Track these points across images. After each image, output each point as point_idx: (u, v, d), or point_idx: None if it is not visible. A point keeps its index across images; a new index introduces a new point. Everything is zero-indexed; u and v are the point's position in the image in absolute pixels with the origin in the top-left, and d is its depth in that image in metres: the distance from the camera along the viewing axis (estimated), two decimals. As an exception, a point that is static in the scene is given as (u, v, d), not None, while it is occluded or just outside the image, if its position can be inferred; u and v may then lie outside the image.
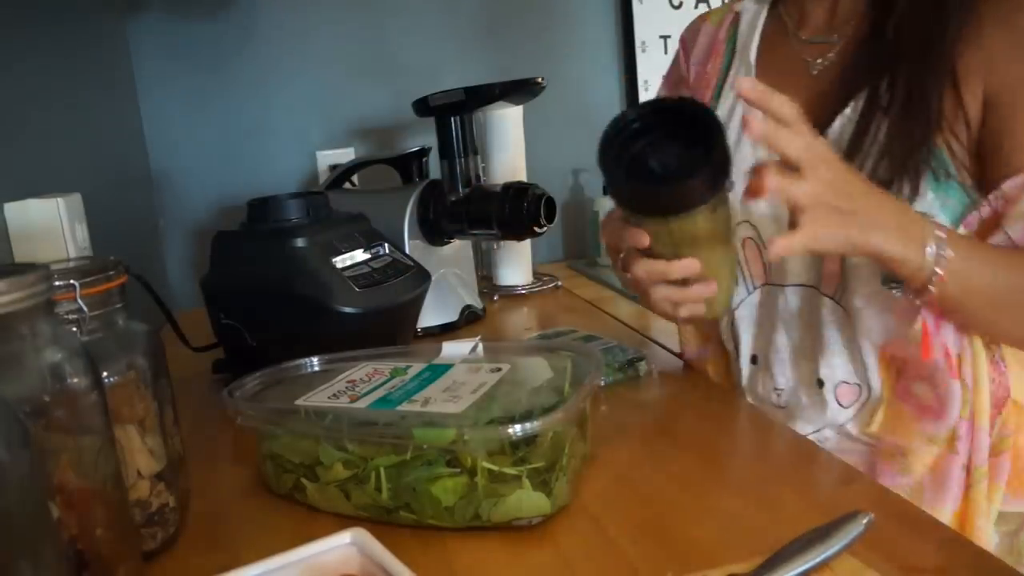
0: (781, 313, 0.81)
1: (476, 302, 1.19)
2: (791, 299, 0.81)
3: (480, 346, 0.73)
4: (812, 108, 0.70)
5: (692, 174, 0.59)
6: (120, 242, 1.11)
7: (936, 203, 0.69)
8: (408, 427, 0.58)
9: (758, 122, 0.57)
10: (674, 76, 0.98)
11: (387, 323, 0.90)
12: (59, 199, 0.80)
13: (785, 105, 0.58)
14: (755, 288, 0.84)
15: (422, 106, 1.13)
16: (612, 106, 1.68)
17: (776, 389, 0.83)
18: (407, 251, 1.09)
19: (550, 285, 1.42)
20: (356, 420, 0.61)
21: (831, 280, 0.77)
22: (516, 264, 1.41)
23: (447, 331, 1.13)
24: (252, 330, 0.90)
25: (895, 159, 0.69)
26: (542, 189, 1.06)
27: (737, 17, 0.90)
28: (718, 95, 0.89)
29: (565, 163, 1.68)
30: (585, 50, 1.65)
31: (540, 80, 1.10)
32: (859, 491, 0.61)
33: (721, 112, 0.86)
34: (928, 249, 0.61)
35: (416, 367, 0.69)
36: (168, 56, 1.43)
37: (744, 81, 0.58)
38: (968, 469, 0.70)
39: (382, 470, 0.58)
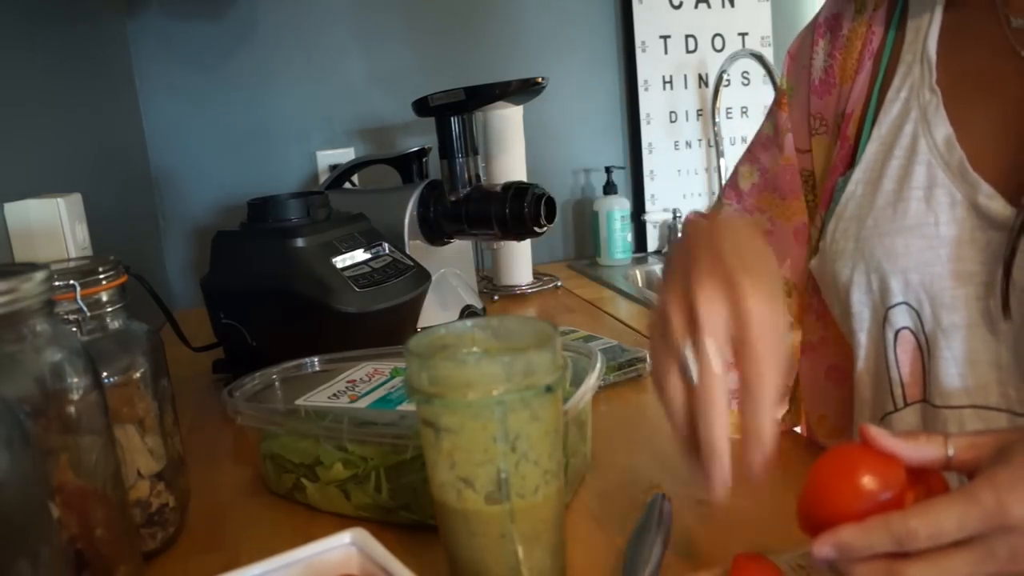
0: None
1: (476, 302, 1.19)
2: (961, 428, 0.56)
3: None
4: None
5: None
6: (120, 242, 1.11)
7: None
8: (408, 427, 0.57)
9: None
10: (784, 114, 0.73)
11: (387, 323, 0.90)
12: (59, 199, 0.80)
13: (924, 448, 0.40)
14: (906, 404, 0.60)
15: (422, 106, 1.13)
16: (612, 106, 1.68)
17: None
18: (407, 251, 1.08)
19: (550, 285, 1.42)
20: (356, 420, 0.61)
21: None
22: (516, 264, 1.41)
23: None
24: (252, 330, 0.90)
25: None
26: (542, 189, 1.06)
27: None
28: (872, 112, 0.64)
29: (565, 163, 1.68)
30: (585, 50, 1.65)
31: (540, 80, 1.10)
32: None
33: (878, 140, 0.62)
34: None
35: (416, 367, 0.69)
36: (168, 56, 1.43)
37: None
38: None
39: (382, 470, 0.58)
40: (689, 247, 0.49)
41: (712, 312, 0.44)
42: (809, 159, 0.71)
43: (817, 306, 0.69)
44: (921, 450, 0.40)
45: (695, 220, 0.55)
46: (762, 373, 0.43)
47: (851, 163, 0.65)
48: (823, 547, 0.38)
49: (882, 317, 0.59)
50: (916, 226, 0.58)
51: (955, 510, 0.36)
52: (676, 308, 0.45)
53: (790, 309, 0.74)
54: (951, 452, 0.39)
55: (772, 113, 0.74)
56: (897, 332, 0.59)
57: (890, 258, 0.58)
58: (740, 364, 0.44)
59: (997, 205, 0.54)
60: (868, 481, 0.39)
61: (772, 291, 0.46)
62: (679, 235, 0.56)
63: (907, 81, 0.62)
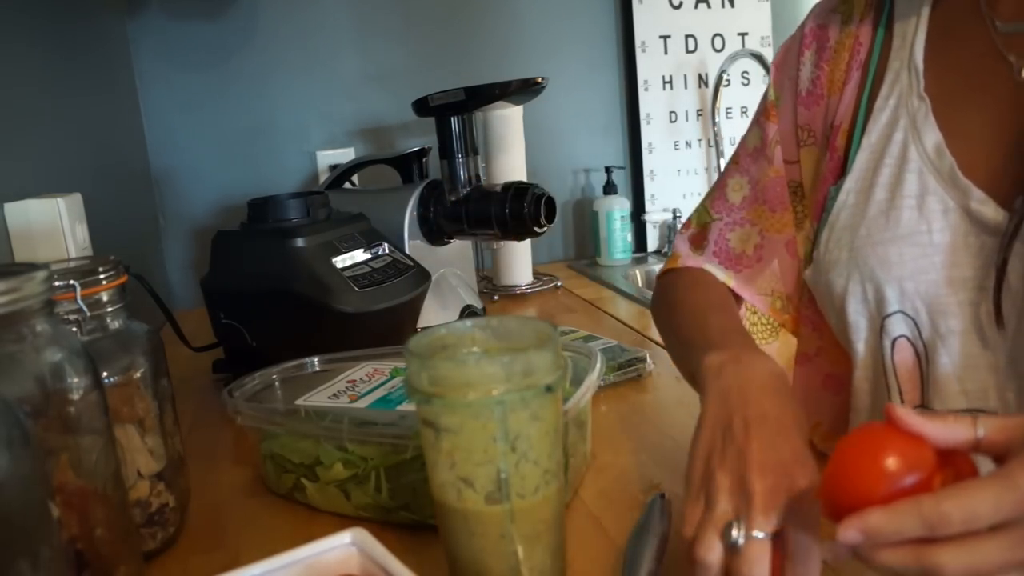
0: None
1: (476, 302, 1.19)
2: None
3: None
4: (1017, 130, 0.54)
5: None
6: (120, 242, 1.11)
7: None
8: (408, 427, 0.58)
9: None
10: (771, 120, 0.72)
11: (387, 323, 0.90)
12: (59, 199, 0.80)
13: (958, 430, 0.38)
14: None
15: (422, 106, 1.13)
16: (612, 106, 1.68)
17: None
18: (407, 251, 1.08)
19: (550, 285, 1.42)
20: (356, 420, 0.61)
21: None
22: (516, 264, 1.41)
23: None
24: (252, 330, 0.90)
25: None
26: (542, 189, 1.06)
27: (883, 3, 0.65)
28: (861, 121, 0.63)
29: (565, 163, 1.68)
30: (585, 50, 1.65)
31: (540, 80, 1.10)
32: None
33: (868, 149, 0.62)
34: None
35: (416, 367, 0.69)
36: (168, 56, 1.43)
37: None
38: None
39: (382, 470, 0.58)
40: (732, 415, 0.48)
41: (769, 495, 0.43)
42: (797, 170, 0.70)
43: (812, 316, 0.69)
44: (950, 430, 0.38)
45: (728, 373, 0.51)
46: (812, 556, 0.42)
47: (841, 173, 0.64)
48: (849, 531, 0.36)
49: (879, 326, 0.59)
50: (909, 234, 0.57)
51: (990, 494, 0.34)
52: (725, 478, 0.45)
53: (783, 320, 0.74)
54: (981, 433, 0.37)
55: (760, 123, 0.73)
56: (894, 340, 0.59)
57: (884, 267, 0.58)
58: (789, 538, 0.42)
59: (989, 210, 0.54)
60: (895, 463, 0.37)
61: (814, 466, 0.45)
62: (710, 379, 0.52)
63: (895, 89, 0.62)
